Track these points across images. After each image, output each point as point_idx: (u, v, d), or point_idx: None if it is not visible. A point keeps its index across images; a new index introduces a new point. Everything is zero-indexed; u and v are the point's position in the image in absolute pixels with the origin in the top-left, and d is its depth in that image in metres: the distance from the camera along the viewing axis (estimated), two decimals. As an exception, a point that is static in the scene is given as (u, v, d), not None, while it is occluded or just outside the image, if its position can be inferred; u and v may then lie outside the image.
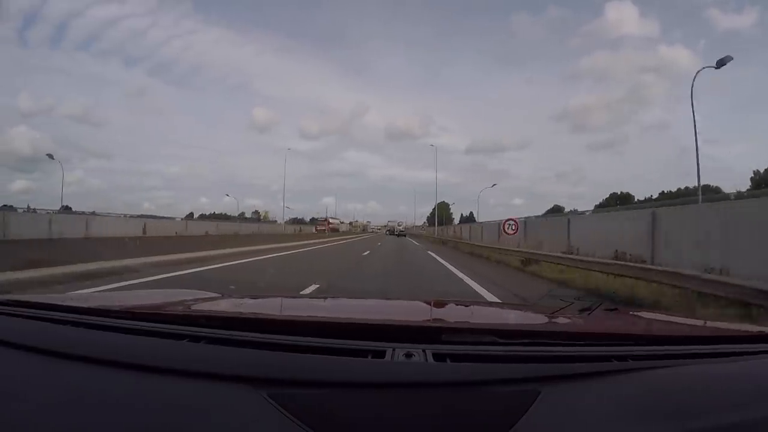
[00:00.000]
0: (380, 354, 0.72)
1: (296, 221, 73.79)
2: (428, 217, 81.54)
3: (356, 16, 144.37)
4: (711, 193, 18.76)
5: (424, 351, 0.73)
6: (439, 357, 0.72)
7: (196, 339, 0.79)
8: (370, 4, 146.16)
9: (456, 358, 0.73)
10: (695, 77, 15.56)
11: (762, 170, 41.40)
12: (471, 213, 70.33)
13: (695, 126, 14.94)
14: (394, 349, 0.73)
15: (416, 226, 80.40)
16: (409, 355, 0.71)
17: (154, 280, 6.43)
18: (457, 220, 67.83)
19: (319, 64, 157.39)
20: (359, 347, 0.75)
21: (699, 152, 14.71)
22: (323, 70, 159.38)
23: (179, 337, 0.80)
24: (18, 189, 73.51)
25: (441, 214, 72.14)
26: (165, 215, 38.81)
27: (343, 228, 71.96)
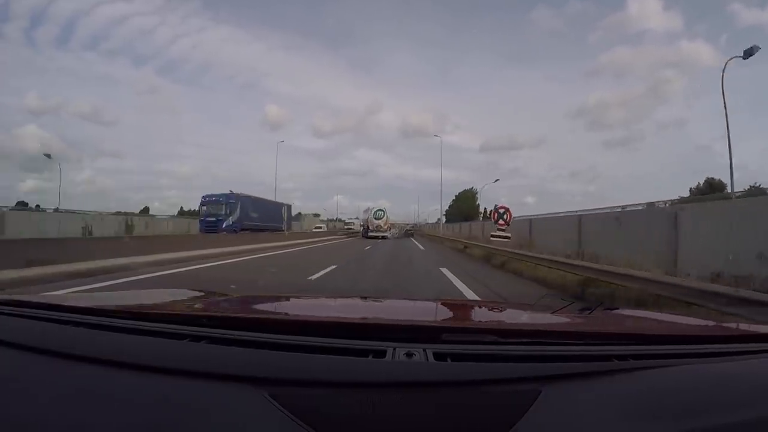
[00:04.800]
0: (381, 353, 0.73)
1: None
2: (446, 211, 56.65)
3: (367, 12, 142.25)
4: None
5: (424, 350, 0.73)
6: (439, 356, 0.73)
7: (197, 339, 0.80)
8: (381, 1, 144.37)
9: (456, 357, 0.73)
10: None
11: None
12: (496, 206, 61.13)
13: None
14: (394, 349, 0.73)
15: (430, 224, 57.06)
16: (409, 355, 0.72)
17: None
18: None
19: (330, 62, 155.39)
20: (360, 347, 0.75)
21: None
22: (334, 69, 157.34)
23: (180, 336, 0.81)
24: (28, 188, 71.83)
25: (465, 206, 53.83)
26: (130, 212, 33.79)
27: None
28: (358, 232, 39.25)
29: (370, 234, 33.95)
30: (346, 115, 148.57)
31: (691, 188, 36.79)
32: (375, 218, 36.07)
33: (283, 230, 29.91)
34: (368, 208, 38.33)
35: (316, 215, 68.54)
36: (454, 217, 50.08)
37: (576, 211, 12.76)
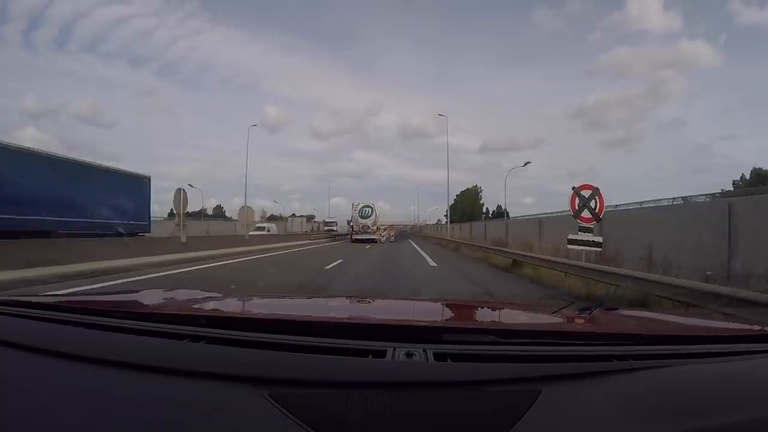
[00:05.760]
0: (381, 354, 0.73)
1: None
2: (447, 211, 50.37)
3: (366, 13, 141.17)
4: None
5: (424, 350, 0.73)
6: (439, 356, 0.73)
7: (196, 339, 0.80)
8: (379, 2, 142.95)
9: (457, 357, 0.73)
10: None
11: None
12: (499, 207, 49.61)
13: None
14: (394, 349, 0.73)
15: (430, 225, 52.25)
16: (409, 355, 0.72)
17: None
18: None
19: (328, 63, 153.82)
20: (360, 347, 0.75)
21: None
22: (332, 70, 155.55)
23: (180, 337, 0.81)
24: None
25: (468, 205, 50.91)
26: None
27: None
28: (344, 235, 31.32)
29: (355, 237, 26.77)
30: (344, 116, 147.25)
31: (734, 180, 36.39)
32: (361, 217, 27.99)
33: (139, 234, 14.76)
34: (354, 205, 29.33)
35: (310, 217, 57.61)
36: (456, 217, 45.07)
37: (716, 194, 8.11)
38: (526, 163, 28.92)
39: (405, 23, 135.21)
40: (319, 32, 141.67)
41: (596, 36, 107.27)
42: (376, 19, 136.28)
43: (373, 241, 26.04)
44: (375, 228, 28.04)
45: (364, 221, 27.80)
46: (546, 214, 15.36)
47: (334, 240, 29.18)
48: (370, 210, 28.27)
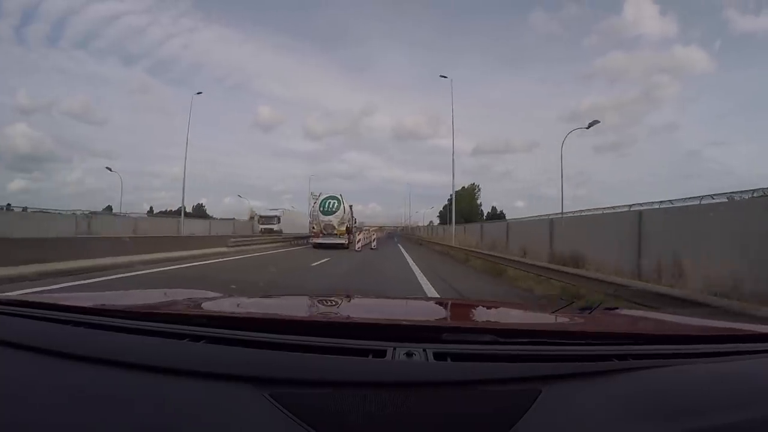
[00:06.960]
0: (381, 353, 0.73)
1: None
2: (441, 213, 49.95)
3: (360, 14, 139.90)
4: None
5: (424, 350, 0.73)
6: (439, 356, 0.73)
7: (196, 338, 0.80)
8: (373, 3, 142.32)
9: (457, 357, 0.73)
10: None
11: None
12: (494, 208, 49.87)
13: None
14: (394, 349, 0.73)
15: (421, 227, 48.16)
16: (409, 354, 0.72)
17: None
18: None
19: (322, 64, 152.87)
20: (360, 346, 0.75)
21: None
22: (326, 71, 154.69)
23: (180, 336, 0.81)
24: (17, 188, 69.48)
25: (465, 204, 43.28)
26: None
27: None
28: (306, 237, 21.92)
29: (316, 241, 19.51)
30: (337, 117, 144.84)
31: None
32: (324, 212, 20.04)
33: None
34: (315, 195, 21.57)
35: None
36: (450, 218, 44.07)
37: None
38: (590, 125, 18.76)
39: (399, 25, 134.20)
40: (312, 32, 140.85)
41: (592, 40, 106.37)
42: (371, 20, 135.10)
43: (342, 247, 18.83)
44: (343, 229, 20.10)
45: (326, 218, 19.81)
46: (651, 203, 9.67)
47: (291, 245, 20.80)
48: (336, 203, 20.34)
